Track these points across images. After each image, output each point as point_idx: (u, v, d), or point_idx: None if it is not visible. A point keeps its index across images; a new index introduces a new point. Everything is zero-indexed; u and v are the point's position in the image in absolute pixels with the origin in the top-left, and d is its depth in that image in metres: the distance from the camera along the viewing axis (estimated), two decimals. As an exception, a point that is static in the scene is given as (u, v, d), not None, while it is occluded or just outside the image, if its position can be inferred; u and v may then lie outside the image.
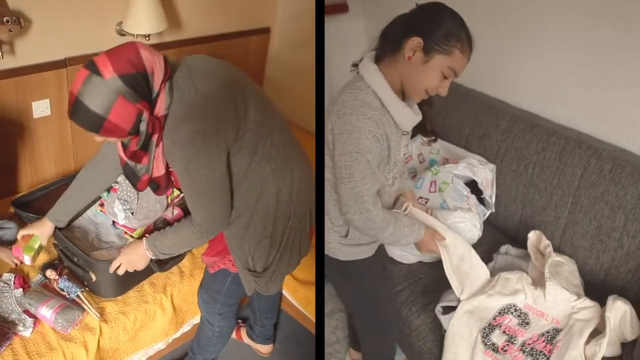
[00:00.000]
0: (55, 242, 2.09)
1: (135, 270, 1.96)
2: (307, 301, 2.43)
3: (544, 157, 2.16)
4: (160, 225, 2.13)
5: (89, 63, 1.40)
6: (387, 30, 1.54)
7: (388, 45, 1.51)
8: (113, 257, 1.97)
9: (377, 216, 1.56)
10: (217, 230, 1.70)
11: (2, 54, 2.20)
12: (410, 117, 1.57)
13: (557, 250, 2.05)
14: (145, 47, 1.46)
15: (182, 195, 2.27)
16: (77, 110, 1.40)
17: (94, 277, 1.96)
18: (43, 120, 2.47)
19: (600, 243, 1.95)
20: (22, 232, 1.95)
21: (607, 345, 1.65)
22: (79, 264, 1.98)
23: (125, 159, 1.63)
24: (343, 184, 1.51)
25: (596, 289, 1.91)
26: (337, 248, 1.76)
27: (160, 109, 1.48)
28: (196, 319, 2.28)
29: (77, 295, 1.95)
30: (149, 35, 2.50)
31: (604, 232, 1.94)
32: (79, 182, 1.97)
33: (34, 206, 2.36)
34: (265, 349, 2.50)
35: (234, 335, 2.55)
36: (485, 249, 2.17)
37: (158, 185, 1.67)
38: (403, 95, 1.59)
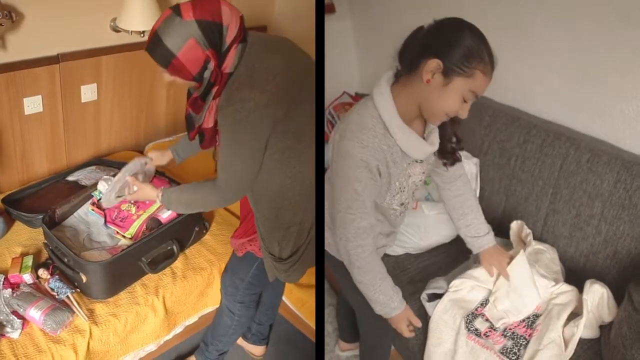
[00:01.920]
0: (46, 241, 2.06)
1: (126, 271, 2.00)
2: (302, 303, 2.40)
3: (525, 149, 2.20)
4: (153, 225, 2.11)
5: (175, 5, 1.52)
6: (404, 49, 1.42)
7: (405, 66, 1.42)
8: (104, 258, 1.95)
9: (353, 250, 1.52)
10: (235, 196, 1.74)
11: (-7, 49, 2.17)
12: (419, 146, 1.49)
13: (539, 239, 2.09)
14: (227, 3, 1.55)
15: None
16: (153, 44, 1.53)
17: (84, 279, 1.92)
18: (35, 117, 2.44)
19: (580, 231, 2.00)
20: (151, 154, 2.07)
21: (585, 327, 1.70)
22: (69, 264, 1.94)
23: (189, 109, 1.68)
24: (334, 203, 1.52)
25: (577, 275, 1.95)
26: None
27: (227, 65, 1.54)
28: (189, 321, 2.24)
29: (67, 297, 1.91)
30: (143, 32, 2.46)
31: (583, 220, 1.99)
32: None
33: (25, 203, 2.33)
34: (258, 350, 2.47)
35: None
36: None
37: (204, 137, 1.70)
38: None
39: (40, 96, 2.40)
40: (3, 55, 2.24)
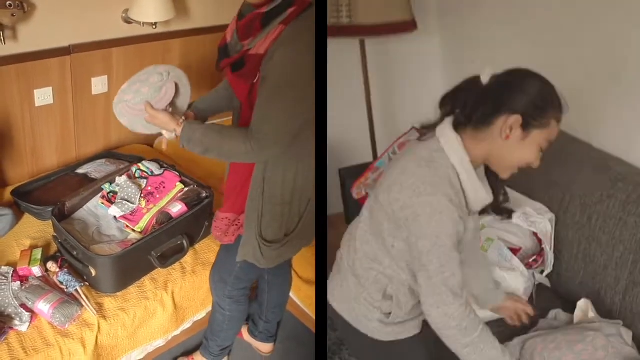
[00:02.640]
0: (55, 234, 2.05)
1: (135, 265, 2.00)
2: (311, 300, 2.39)
3: (607, 206, 1.91)
4: (163, 220, 2.09)
5: None
6: (467, 101, 1.37)
7: (470, 119, 1.36)
8: (114, 251, 1.95)
9: (456, 311, 1.36)
10: (269, 152, 1.59)
11: (4, 40, 2.16)
12: (484, 197, 1.42)
13: (617, 317, 1.84)
14: None
15: (186, 189, 2.23)
16: None
17: (93, 272, 1.91)
18: (45, 109, 2.45)
19: None
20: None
21: None
22: (78, 257, 1.94)
23: (230, 36, 1.60)
24: (420, 271, 1.37)
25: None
26: (377, 328, 1.52)
27: None
28: (197, 316, 2.25)
29: (76, 290, 1.90)
30: (155, 24, 2.46)
31: None
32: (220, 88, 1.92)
33: (34, 196, 2.33)
34: (266, 347, 2.46)
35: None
36: (538, 315, 1.90)
37: (243, 65, 1.58)
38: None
39: (50, 88, 2.41)
40: (14, 46, 2.24)
